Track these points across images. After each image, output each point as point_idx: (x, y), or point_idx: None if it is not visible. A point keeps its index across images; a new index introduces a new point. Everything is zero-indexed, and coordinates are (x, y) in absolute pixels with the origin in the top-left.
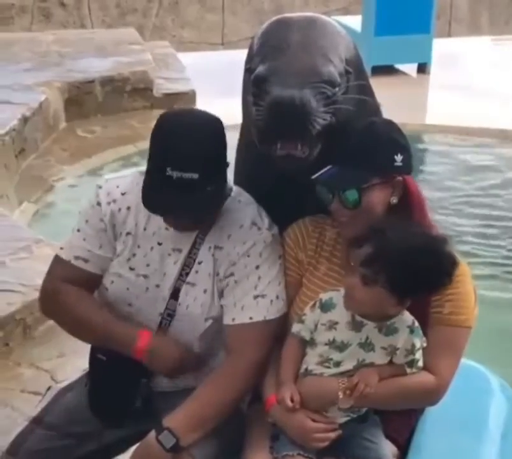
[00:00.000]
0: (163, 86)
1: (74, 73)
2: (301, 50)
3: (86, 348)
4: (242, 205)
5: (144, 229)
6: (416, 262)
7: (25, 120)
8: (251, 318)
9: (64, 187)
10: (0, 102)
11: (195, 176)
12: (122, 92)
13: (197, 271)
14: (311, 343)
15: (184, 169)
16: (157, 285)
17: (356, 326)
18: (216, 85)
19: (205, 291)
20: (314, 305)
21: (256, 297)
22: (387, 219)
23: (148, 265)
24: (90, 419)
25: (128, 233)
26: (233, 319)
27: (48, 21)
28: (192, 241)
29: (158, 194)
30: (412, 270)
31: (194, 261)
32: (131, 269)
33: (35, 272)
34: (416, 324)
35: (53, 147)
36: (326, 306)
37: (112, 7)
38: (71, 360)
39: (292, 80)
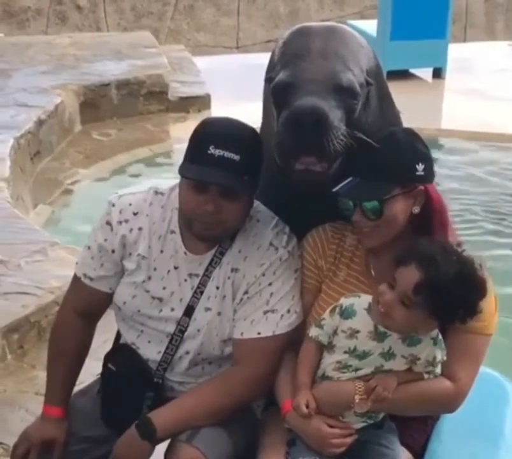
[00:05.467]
0: (178, 89)
1: (89, 76)
2: (321, 57)
3: (99, 352)
4: (260, 225)
5: (161, 251)
6: (465, 293)
7: (40, 122)
8: (259, 333)
9: (79, 189)
10: (16, 105)
11: (236, 157)
12: (137, 96)
13: (216, 296)
14: (329, 348)
15: (227, 148)
16: (172, 309)
17: (379, 337)
18: (231, 89)
19: (219, 314)
20: (333, 309)
21: (266, 312)
22: (427, 241)
23: (164, 288)
24: (103, 425)
25: (141, 256)
26: (242, 334)
27: (63, 24)
28: (209, 261)
29: (196, 165)
30: (462, 300)
31: (209, 278)
32: (146, 291)
33: (50, 275)
34: (440, 336)
35: (68, 150)
36: (346, 313)
37: (128, 10)
38: (84, 364)
39: (312, 87)
